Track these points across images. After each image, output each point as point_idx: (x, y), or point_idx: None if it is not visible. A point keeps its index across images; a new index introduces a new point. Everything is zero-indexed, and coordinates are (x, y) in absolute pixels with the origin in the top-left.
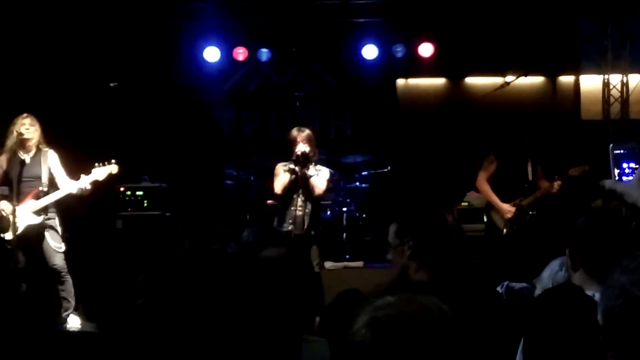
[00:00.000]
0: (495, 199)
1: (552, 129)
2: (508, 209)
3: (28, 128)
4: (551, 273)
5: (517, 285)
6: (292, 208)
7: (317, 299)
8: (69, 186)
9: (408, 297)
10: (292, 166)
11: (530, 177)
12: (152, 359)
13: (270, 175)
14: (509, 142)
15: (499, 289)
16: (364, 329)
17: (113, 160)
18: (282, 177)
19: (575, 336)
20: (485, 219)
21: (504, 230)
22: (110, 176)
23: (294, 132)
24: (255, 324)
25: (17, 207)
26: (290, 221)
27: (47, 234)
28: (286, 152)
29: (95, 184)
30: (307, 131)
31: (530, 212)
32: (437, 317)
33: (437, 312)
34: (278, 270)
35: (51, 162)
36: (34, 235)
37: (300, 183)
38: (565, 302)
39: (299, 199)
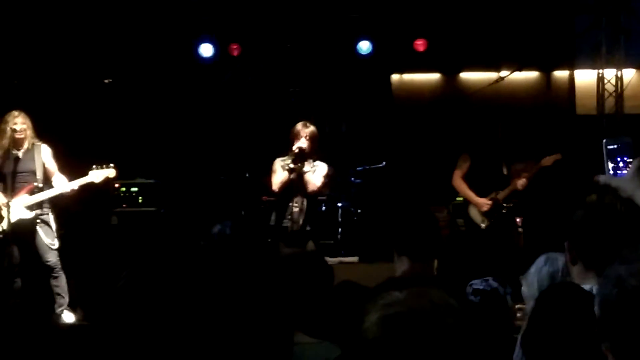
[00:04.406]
0: (471, 195)
1: (546, 123)
2: (484, 202)
3: (21, 126)
4: (536, 269)
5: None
6: (290, 204)
7: (327, 294)
8: (61, 186)
9: (416, 292)
10: (291, 165)
11: (505, 172)
12: (140, 351)
13: (266, 171)
14: (482, 138)
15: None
16: (375, 327)
17: (111, 165)
18: (279, 175)
19: (577, 335)
20: (463, 216)
21: (482, 225)
22: (107, 180)
23: (299, 126)
24: (244, 319)
25: (10, 202)
26: (288, 217)
27: (40, 230)
28: (282, 148)
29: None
30: (312, 127)
31: (506, 205)
32: (446, 311)
33: (445, 307)
34: (292, 268)
35: (45, 156)
36: (27, 231)
37: (296, 179)
38: (565, 302)
39: (296, 196)
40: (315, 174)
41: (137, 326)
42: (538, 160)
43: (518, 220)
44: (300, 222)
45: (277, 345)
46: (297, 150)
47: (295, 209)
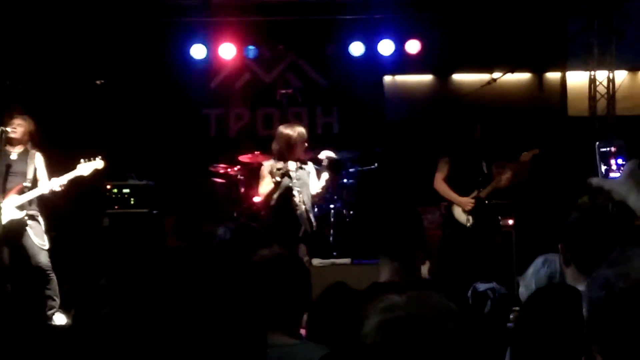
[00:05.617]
0: (453, 195)
1: (538, 125)
2: (467, 201)
3: (15, 128)
4: (534, 270)
5: (482, 286)
6: (290, 208)
7: (306, 296)
8: (49, 184)
9: (416, 296)
10: (278, 178)
11: (485, 170)
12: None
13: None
14: (461, 140)
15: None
16: (375, 332)
17: (99, 157)
18: (267, 184)
19: (567, 335)
20: (448, 217)
21: (468, 224)
22: (96, 172)
23: (289, 131)
24: (225, 323)
25: (0, 203)
26: (286, 223)
27: (30, 231)
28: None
29: (82, 181)
30: (302, 130)
31: (487, 202)
32: (446, 316)
33: (445, 311)
34: (267, 270)
35: (37, 163)
36: (17, 232)
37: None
38: (556, 302)
39: (298, 200)
40: (312, 178)
41: (117, 327)
42: (517, 156)
43: (501, 218)
44: (301, 228)
45: (249, 347)
46: (326, 162)
47: (297, 213)
